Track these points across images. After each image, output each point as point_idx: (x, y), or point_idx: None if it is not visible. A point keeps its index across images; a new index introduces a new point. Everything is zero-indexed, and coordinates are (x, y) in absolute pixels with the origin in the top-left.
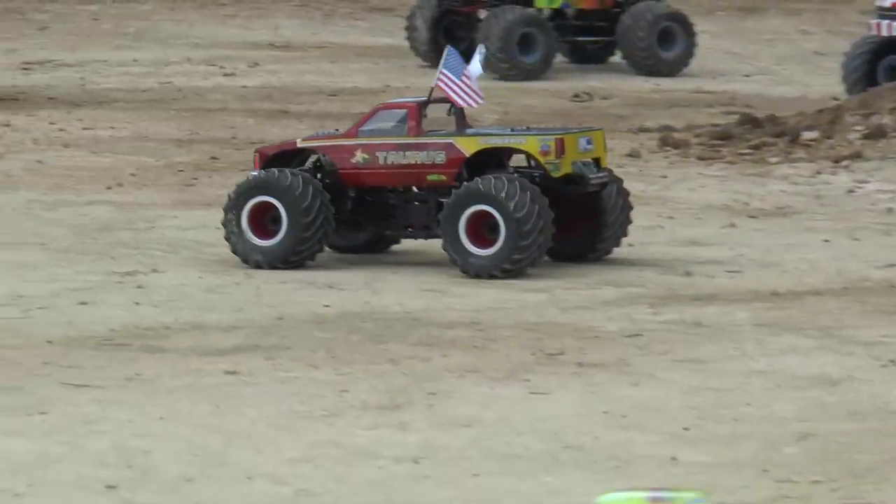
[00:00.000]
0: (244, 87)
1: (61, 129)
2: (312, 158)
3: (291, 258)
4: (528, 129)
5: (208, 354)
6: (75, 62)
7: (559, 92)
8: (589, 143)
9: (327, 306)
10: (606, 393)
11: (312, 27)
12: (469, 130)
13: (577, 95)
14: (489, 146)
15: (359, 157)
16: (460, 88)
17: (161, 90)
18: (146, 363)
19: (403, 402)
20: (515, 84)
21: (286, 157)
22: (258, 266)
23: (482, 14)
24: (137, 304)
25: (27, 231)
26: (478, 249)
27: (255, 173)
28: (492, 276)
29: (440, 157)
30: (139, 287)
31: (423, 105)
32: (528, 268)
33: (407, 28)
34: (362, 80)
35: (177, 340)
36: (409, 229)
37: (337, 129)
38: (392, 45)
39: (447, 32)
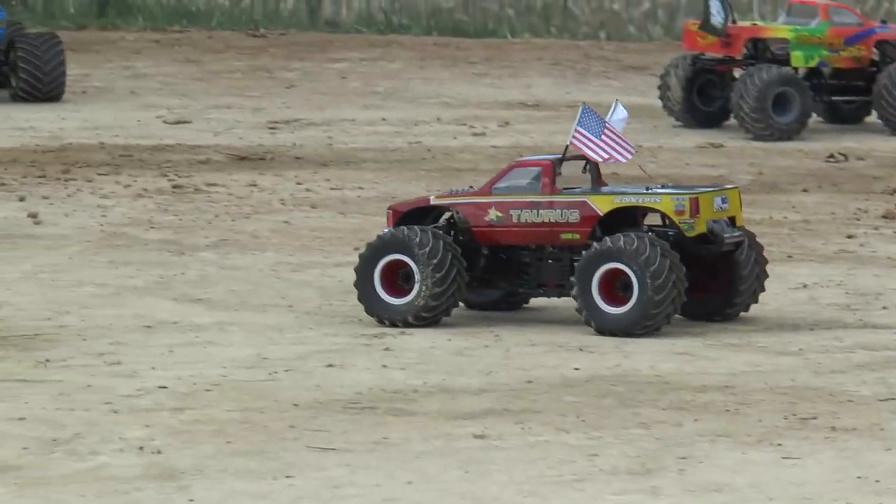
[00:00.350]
0: (494, 146)
1: (308, 190)
2: (446, 216)
3: (424, 315)
4: (663, 186)
5: (457, 418)
6: (322, 121)
7: (813, 152)
8: (724, 201)
9: (577, 369)
10: (860, 458)
11: (565, 86)
12: (603, 189)
13: (831, 156)
14: (623, 205)
15: (492, 214)
16: (602, 144)
17: (410, 150)
18: (394, 427)
19: (654, 467)
20: (769, 144)
21: (420, 214)
22: (394, 325)
23: (737, 73)
24: (385, 366)
25: (274, 293)
26: (611, 308)
27: (387, 231)
28: (626, 335)
29: (574, 216)
30: (387, 349)
31: (557, 163)
32: (663, 324)
33: (660, 87)
34: None
35: (425, 404)
36: (543, 287)
37: (471, 187)
38: (644, 105)
39: (701, 91)
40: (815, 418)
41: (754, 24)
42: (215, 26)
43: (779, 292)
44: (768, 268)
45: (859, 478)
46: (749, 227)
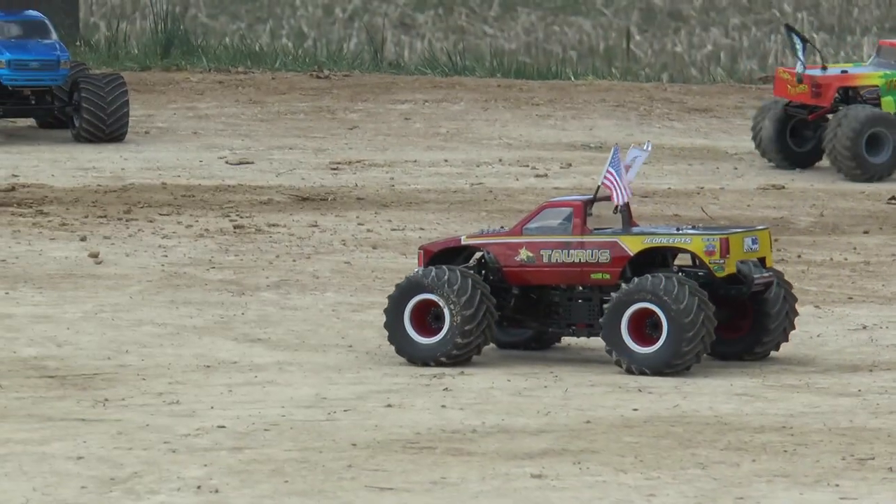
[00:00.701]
0: (556, 188)
1: (370, 230)
2: (477, 255)
3: (455, 353)
4: (693, 227)
5: (515, 458)
6: (385, 162)
7: (875, 194)
8: (754, 242)
9: (636, 410)
10: None
11: (627, 128)
12: (634, 229)
13: (893, 198)
14: (653, 245)
15: (523, 254)
16: (620, 185)
17: (472, 191)
18: (452, 467)
19: None
20: (831, 185)
21: (451, 254)
22: (425, 364)
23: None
24: (444, 406)
25: (334, 333)
26: (640, 347)
27: (418, 270)
28: (657, 374)
29: (604, 256)
30: (446, 389)
31: (588, 203)
32: (693, 363)
33: (753, 128)
34: (675, 182)
35: (483, 444)
36: (573, 327)
37: (503, 227)
38: (707, 146)
39: (794, 132)
40: (872, 459)
41: (844, 72)
42: (279, 67)
43: (839, 333)
44: (828, 309)
45: None
46: (810, 268)
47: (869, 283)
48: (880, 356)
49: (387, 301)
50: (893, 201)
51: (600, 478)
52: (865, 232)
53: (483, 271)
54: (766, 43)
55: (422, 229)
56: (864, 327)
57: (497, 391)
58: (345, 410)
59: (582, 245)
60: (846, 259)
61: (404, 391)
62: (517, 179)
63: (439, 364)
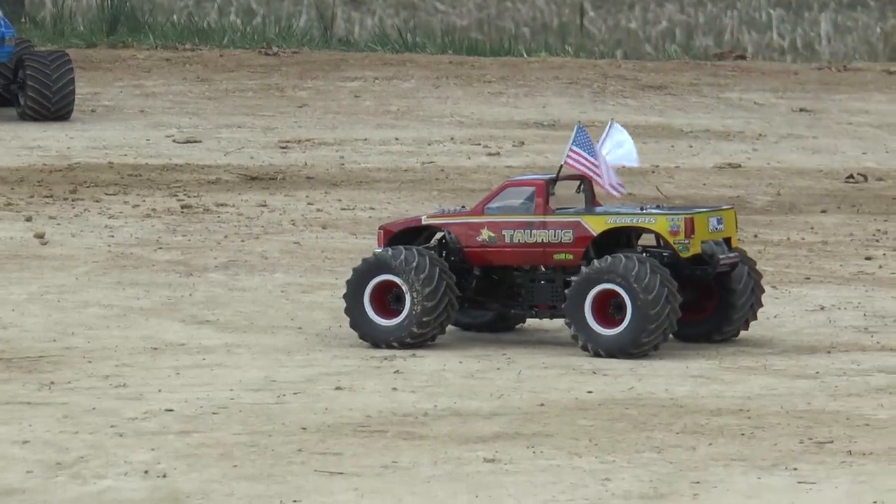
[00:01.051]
0: (509, 167)
1: (319, 210)
2: (438, 236)
3: (417, 333)
4: (658, 207)
5: (468, 442)
6: (335, 141)
7: (833, 173)
8: (720, 222)
9: (590, 392)
10: (876, 483)
11: (581, 105)
12: (598, 209)
13: (850, 176)
14: (617, 225)
15: (484, 235)
16: (600, 165)
17: (423, 170)
18: (404, 451)
19: (667, 491)
20: (787, 164)
21: (411, 234)
22: (389, 346)
23: None
24: (395, 389)
25: (283, 314)
26: (603, 329)
27: (378, 251)
28: (610, 356)
29: (567, 236)
30: (397, 372)
31: (551, 182)
32: (660, 342)
33: None
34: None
35: (435, 427)
36: (535, 309)
37: (463, 207)
38: (662, 124)
39: None
40: (831, 442)
41: None
42: (227, 44)
43: (796, 314)
44: (785, 289)
45: (875, 503)
46: (767, 248)
47: (826, 263)
48: (838, 337)
49: (345, 285)
50: (851, 180)
51: (554, 462)
52: (823, 211)
53: (444, 252)
54: (722, 19)
55: (372, 209)
56: (822, 308)
57: (449, 373)
58: (294, 393)
59: (544, 225)
60: (803, 239)
61: (355, 374)
62: (469, 158)
63: (403, 346)
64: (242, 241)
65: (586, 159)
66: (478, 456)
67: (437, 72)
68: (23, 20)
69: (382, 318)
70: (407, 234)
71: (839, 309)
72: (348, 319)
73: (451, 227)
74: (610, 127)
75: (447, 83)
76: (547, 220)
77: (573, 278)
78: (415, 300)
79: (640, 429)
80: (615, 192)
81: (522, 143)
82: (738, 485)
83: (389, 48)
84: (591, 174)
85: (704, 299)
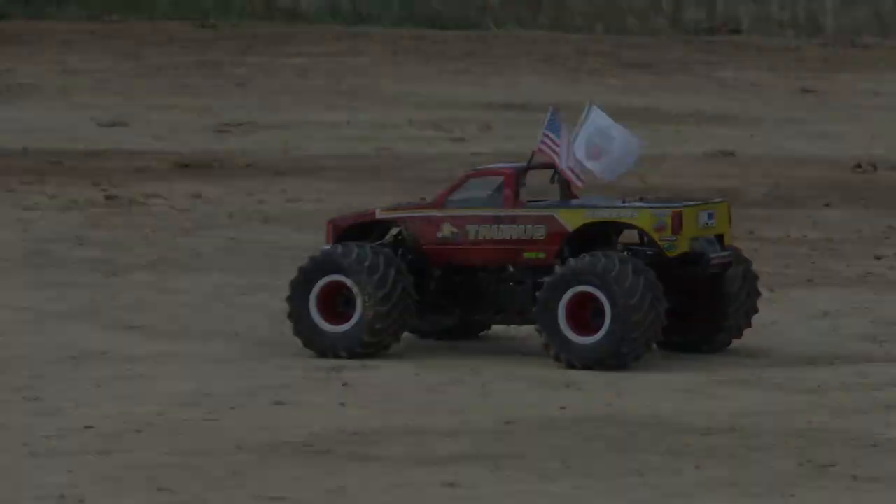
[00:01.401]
0: (474, 153)
1: (260, 202)
2: (393, 231)
3: (370, 340)
4: (641, 199)
5: (425, 464)
6: (279, 124)
7: (838, 162)
8: (711, 217)
9: (563, 409)
10: None
11: (555, 85)
12: (574, 202)
13: (858, 165)
14: (595, 220)
15: (446, 230)
16: (555, 146)
17: (378, 157)
18: (352, 473)
19: None
20: (787, 153)
21: (363, 229)
22: (337, 356)
23: None
24: (343, 404)
25: (218, 319)
26: (578, 337)
27: (326, 248)
28: (587, 368)
29: (539, 232)
30: (346, 385)
31: (521, 172)
32: (642, 353)
33: None
34: None
35: (388, 447)
36: (502, 314)
37: (423, 199)
38: (647, 106)
39: None
40: (833, 465)
41: None
42: (158, 16)
43: (796, 321)
44: (784, 293)
45: None
46: (763, 246)
47: (831, 264)
48: (843, 347)
49: (289, 286)
50: (859, 169)
51: (522, 486)
52: (827, 205)
53: (400, 250)
54: None
55: (320, 201)
56: (825, 314)
57: (405, 387)
58: (230, 408)
59: (514, 220)
60: (805, 236)
61: (298, 386)
62: (430, 144)
63: (352, 355)
64: (173, 236)
65: (554, 142)
66: (436, 480)
67: (394, 47)
68: None
69: (330, 323)
70: (359, 230)
71: (844, 315)
72: (291, 325)
73: (409, 221)
74: (588, 111)
75: (405, 60)
76: (516, 213)
77: (545, 279)
78: (367, 304)
79: (619, 450)
80: (576, 181)
81: (489, 127)
82: None
83: (340, 20)
84: (551, 154)
85: (693, 304)
